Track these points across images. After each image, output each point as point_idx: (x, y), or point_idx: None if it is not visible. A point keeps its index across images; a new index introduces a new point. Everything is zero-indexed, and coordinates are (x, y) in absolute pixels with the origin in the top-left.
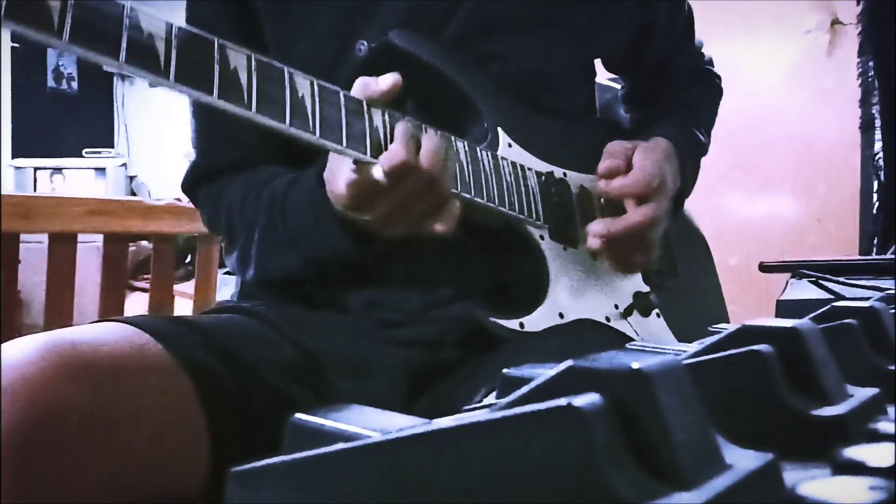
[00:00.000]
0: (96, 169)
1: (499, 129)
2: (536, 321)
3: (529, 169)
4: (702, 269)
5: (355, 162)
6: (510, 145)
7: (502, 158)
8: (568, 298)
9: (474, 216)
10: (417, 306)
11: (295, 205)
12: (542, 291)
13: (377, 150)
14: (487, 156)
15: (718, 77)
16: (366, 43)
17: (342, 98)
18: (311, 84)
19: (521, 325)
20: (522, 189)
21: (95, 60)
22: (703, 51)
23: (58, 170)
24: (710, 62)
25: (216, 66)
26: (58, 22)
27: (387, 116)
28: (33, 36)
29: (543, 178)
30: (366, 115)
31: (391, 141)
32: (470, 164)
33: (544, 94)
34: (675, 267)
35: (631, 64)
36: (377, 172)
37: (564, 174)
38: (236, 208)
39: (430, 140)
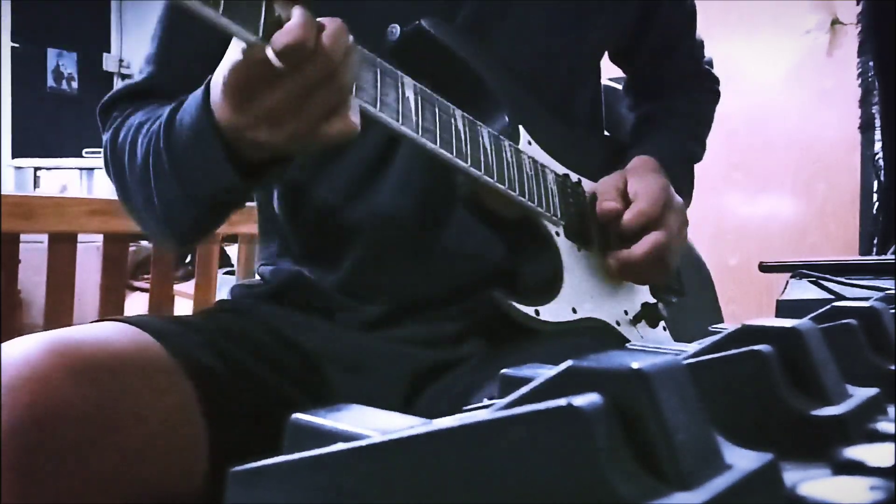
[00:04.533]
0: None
1: (520, 126)
2: (551, 312)
3: (548, 167)
4: (703, 292)
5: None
6: (530, 143)
7: (523, 153)
8: (580, 297)
9: (491, 203)
10: (424, 301)
11: (179, 128)
12: (556, 284)
13: (272, 32)
14: (510, 147)
15: (717, 80)
16: (398, 27)
17: None
18: None
19: (537, 312)
20: (542, 184)
21: None
22: (703, 50)
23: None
24: (710, 63)
25: None
26: None
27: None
28: None
29: (560, 178)
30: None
31: None
32: (493, 151)
33: (554, 86)
34: (683, 286)
35: (630, 54)
36: (270, 52)
37: (579, 179)
38: (131, 136)
39: (333, 23)
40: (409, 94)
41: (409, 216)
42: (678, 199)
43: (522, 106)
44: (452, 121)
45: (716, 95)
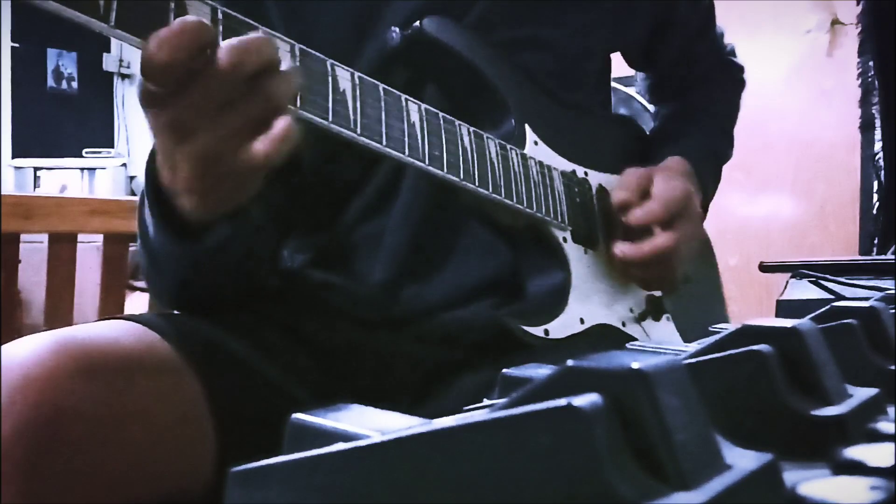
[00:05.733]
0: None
1: (526, 125)
2: (560, 328)
3: (555, 169)
4: (708, 275)
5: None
6: (536, 143)
7: (530, 158)
8: (588, 303)
9: (497, 215)
10: (433, 303)
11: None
12: (564, 296)
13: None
14: (517, 155)
15: (741, 68)
16: (398, 30)
17: None
18: None
19: (546, 332)
20: (549, 190)
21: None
22: (724, 40)
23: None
24: (733, 52)
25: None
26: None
27: None
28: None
29: (567, 177)
30: None
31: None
32: (500, 164)
33: (562, 86)
34: (686, 272)
35: (651, 57)
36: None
37: (586, 173)
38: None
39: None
40: (415, 118)
41: (416, 236)
42: (697, 209)
43: (529, 103)
44: (459, 140)
45: (741, 84)
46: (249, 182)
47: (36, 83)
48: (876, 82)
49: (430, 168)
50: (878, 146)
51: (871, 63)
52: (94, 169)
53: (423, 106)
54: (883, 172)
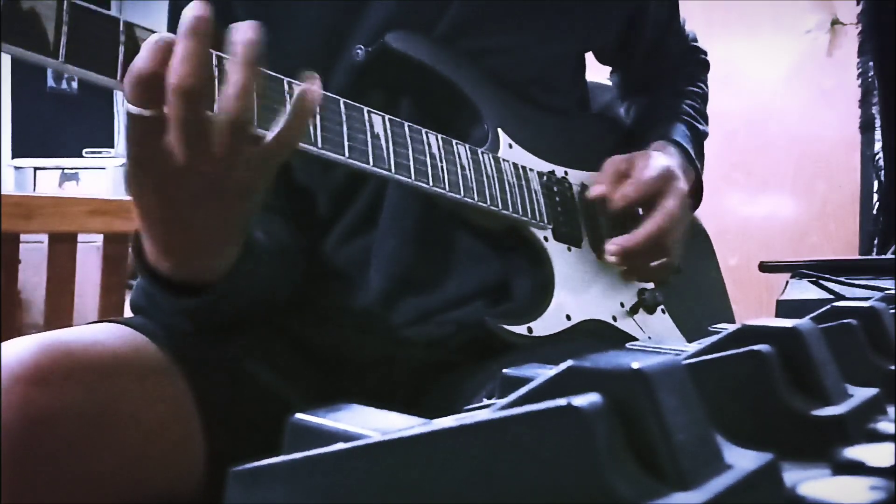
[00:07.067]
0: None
1: (499, 130)
2: (544, 325)
3: (531, 170)
4: (705, 264)
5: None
6: (511, 146)
7: (504, 161)
8: (574, 299)
9: (478, 219)
10: (427, 311)
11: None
12: (547, 294)
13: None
14: (489, 159)
15: (704, 51)
16: (363, 47)
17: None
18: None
19: (530, 329)
20: (525, 191)
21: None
22: (685, 27)
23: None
24: (695, 38)
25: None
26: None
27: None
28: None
29: (545, 178)
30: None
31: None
32: (472, 168)
33: (536, 90)
34: (679, 263)
35: (623, 53)
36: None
37: (566, 173)
38: None
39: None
40: (379, 129)
41: (405, 250)
42: (679, 185)
43: (501, 108)
44: (426, 147)
45: (707, 65)
46: (247, 204)
47: (36, 83)
48: (876, 82)
49: (398, 176)
50: (878, 146)
51: (871, 63)
52: (95, 169)
53: (388, 117)
54: (883, 172)
